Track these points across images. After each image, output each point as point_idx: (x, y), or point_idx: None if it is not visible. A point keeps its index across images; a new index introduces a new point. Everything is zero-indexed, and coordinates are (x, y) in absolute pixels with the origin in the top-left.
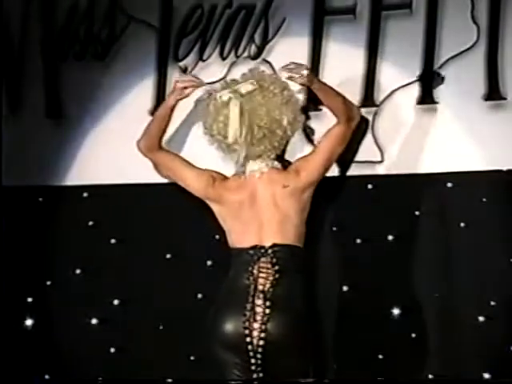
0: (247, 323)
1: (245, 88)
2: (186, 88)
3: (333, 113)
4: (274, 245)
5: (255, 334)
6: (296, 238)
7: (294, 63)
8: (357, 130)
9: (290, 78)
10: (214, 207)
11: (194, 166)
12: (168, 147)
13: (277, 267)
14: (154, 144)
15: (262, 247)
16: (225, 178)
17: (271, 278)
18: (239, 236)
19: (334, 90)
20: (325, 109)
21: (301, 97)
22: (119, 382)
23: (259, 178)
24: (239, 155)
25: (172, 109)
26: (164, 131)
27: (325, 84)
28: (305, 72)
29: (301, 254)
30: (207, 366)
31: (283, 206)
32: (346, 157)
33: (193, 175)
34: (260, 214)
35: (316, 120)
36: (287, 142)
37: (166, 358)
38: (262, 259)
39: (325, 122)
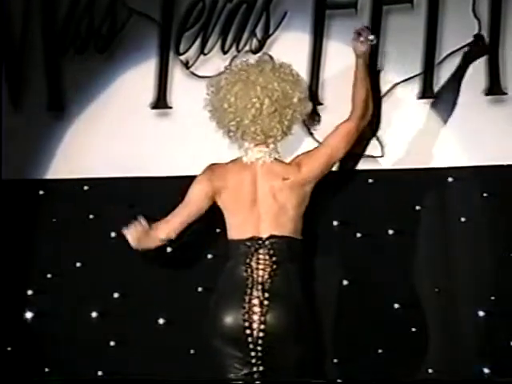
0: (246, 315)
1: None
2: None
3: (352, 100)
4: (272, 236)
5: (255, 326)
6: (293, 230)
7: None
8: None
9: (358, 36)
10: (219, 197)
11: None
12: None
13: (274, 258)
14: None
15: (260, 239)
16: (222, 165)
17: (269, 270)
18: (238, 226)
19: (367, 80)
20: (327, 103)
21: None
22: (120, 381)
23: (261, 166)
24: (248, 131)
25: None
26: None
27: (366, 67)
28: (371, 37)
29: (298, 245)
30: (207, 360)
31: (281, 198)
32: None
33: (197, 201)
34: (258, 205)
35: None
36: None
37: (165, 352)
38: (260, 251)
39: (327, 116)
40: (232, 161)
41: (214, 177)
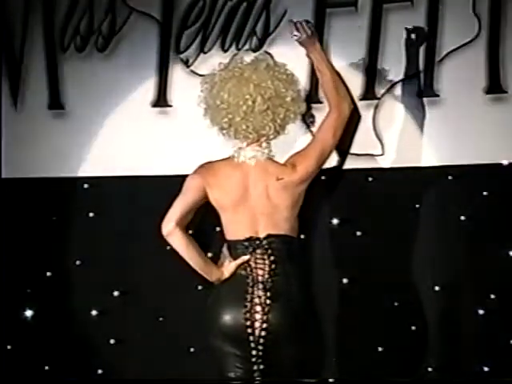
0: (248, 315)
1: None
2: None
3: (324, 94)
4: (269, 235)
5: (257, 325)
6: (289, 230)
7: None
8: (351, 123)
9: (295, 28)
10: (211, 194)
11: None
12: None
13: (272, 258)
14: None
15: (257, 239)
16: (214, 164)
17: (268, 269)
18: (234, 227)
19: (328, 68)
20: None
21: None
22: (120, 381)
23: (254, 166)
24: (240, 129)
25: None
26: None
27: (324, 59)
28: (309, 31)
29: (295, 244)
30: (207, 358)
31: (275, 198)
32: (346, 150)
33: (193, 190)
34: (252, 205)
35: (317, 113)
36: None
37: (165, 350)
38: (258, 251)
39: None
40: (224, 159)
41: (206, 173)
